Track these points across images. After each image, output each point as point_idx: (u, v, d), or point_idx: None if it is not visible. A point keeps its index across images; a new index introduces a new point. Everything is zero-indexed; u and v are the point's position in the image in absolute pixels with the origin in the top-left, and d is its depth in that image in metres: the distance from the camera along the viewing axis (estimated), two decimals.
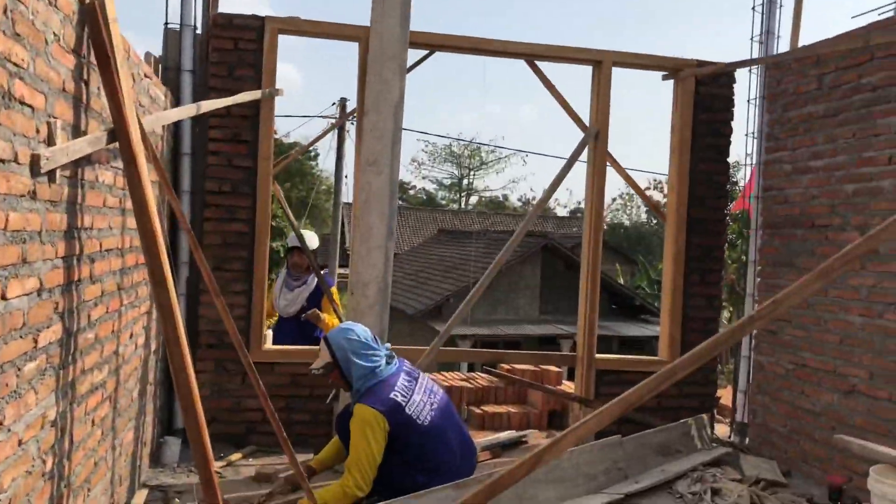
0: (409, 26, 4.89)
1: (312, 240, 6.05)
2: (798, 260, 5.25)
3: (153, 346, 4.45)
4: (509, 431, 5.66)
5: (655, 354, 6.12)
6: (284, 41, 6.50)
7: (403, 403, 3.88)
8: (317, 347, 5.05)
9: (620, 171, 5.94)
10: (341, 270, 21.99)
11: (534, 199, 68.23)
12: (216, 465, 4.72)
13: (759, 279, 5.72)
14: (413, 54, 5.32)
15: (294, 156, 7.03)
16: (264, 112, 5.18)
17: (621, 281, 31.45)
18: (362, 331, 4.10)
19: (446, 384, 6.20)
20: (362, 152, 4.93)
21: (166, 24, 5.12)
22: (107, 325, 3.29)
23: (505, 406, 6.25)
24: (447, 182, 60.93)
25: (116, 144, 2.89)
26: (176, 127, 5.02)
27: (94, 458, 3.16)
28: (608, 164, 5.69)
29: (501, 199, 62.66)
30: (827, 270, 2.70)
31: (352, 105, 18.74)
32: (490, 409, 6.15)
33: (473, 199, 62.92)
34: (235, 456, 4.88)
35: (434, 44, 5.50)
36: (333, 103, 17.16)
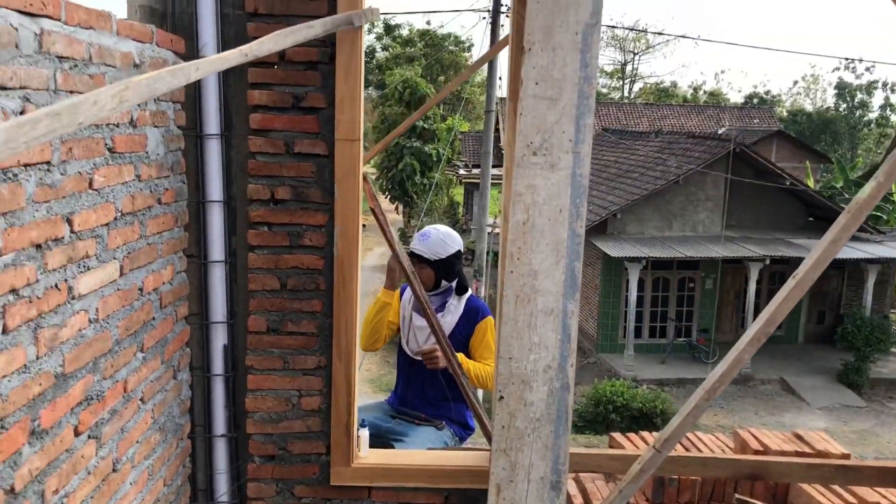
0: None
1: (444, 243, 3.68)
2: None
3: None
4: None
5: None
6: None
7: None
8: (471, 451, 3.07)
9: None
10: (496, 171, 19.55)
11: (704, 83, 62.35)
12: None
13: None
14: None
15: (450, 88, 4.84)
16: (344, 53, 2.88)
17: (810, 183, 27.10)
18: None
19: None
20: (520, 128, 2.55)
21: None
22: None
23: None
24: (609, 68, 56.60)
25: None
26: (196, 90, 2.84)
27: None
28: None
29: (670, 85, 57.43)
30: None
31: None
32: None
33: (637, 87, 58.27)
34: None
35: None
36: None
